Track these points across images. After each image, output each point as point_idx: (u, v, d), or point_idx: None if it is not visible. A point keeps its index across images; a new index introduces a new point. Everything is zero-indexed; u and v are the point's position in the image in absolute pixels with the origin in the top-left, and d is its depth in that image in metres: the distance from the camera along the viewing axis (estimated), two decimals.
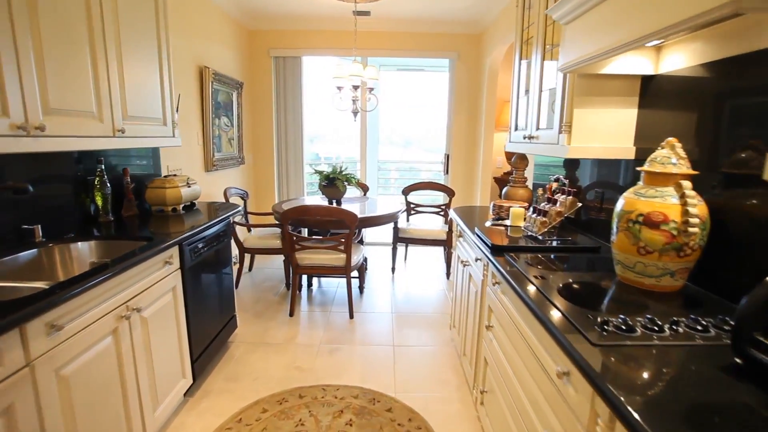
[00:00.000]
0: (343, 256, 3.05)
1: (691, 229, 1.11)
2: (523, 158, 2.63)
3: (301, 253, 3.09)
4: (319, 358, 2.56)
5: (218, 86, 3.76)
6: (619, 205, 1.32)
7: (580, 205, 1.84)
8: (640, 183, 1.31)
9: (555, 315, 1.13)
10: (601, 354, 0.92)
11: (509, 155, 4.67)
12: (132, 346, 1.59)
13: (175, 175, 2.73)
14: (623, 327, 1.00)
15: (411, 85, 9.11)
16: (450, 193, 4.30)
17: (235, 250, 4.05)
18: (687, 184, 1.13)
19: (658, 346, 0.95)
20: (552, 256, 1.67)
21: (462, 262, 2.33)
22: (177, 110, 3.14)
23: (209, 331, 2.34)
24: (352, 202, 3.98)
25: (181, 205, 2.61)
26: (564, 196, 1.91)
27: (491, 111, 4.47)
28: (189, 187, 2.68)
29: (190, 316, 2.06)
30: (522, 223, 2.20)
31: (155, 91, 2.27)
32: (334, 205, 3.77)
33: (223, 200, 3.58)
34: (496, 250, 1.74)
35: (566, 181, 1.98)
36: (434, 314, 3.24)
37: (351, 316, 3.14)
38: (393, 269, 4.16)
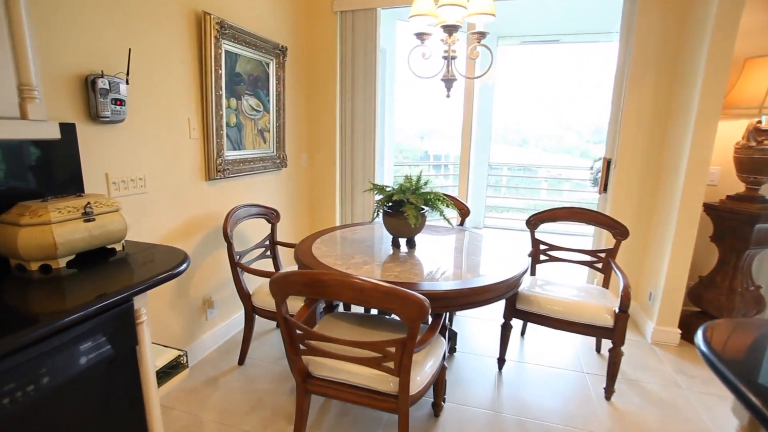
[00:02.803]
0: (396, 378, 1.42)
1: None
2: None
3: (312, 356, 1.54)
4: None
5: (234, 47, 2.40)
6: None
7: None
8: None
9: None
10: None
11: (744, 162, 2.47)
12: None
13: (79, 195, 1.40)
14: None
15: (540, 64, 6.98)
16: (621, 231, 2.33)
17: (239, 308, 2.70)
18: None
19: None
20: None
21: None
22: (127, 76, 1.83)
23: None
24: (436, 235, 2.30)
25: (65, 259, 1.25)
26: None
27: (719, 79, 2.32)
28: (89, 220, 1.31)
29: None
30: None
31: None
32: (401, 245, 2.14)
33: (233, 226, 2.21)
34: None
35: None
36: None
37: None
38: (501, 361, 2.36)
